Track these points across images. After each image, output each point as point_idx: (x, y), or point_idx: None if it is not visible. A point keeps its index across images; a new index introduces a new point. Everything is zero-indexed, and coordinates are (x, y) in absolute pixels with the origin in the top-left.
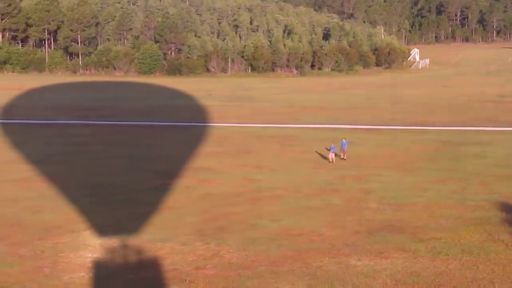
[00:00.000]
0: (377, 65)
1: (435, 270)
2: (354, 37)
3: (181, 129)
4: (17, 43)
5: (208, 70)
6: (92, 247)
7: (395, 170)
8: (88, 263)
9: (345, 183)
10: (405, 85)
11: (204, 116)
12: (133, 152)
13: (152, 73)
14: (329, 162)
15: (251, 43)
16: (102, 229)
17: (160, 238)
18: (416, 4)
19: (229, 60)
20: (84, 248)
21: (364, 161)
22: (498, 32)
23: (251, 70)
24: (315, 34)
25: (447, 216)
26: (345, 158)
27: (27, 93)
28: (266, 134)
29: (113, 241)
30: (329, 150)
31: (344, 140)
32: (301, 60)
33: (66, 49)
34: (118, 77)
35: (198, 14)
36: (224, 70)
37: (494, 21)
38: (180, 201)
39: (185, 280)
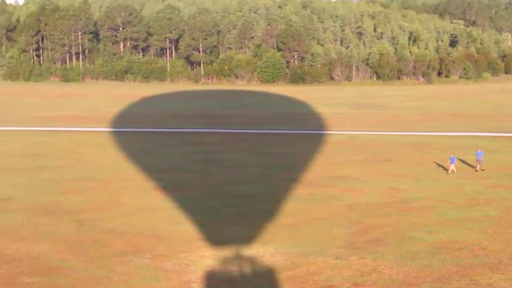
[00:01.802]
0: (506, 72)
1: None
2: (481, 43)
3: (312, 137)
4: (138, 52)
5: (332, 78)
6: (240, 260)
7: None
8: (238, 277)
9: (497, 193)
10: None
11: (335, 124)
12: (267, 161)
13: (275, 81)
14: (448, 173)
15: (376, 50)
16: (246, 241)
17: (311, 251)
18: None
19: (354, 68)
20: (231, 262)
21: None
22: None
23: (376, 77)
24: (442, 41)
25: None
26: (482, 169)
27: (150, 101)
28: (403, 142)
29: (262, 254)
30: (450, 161)
31: (479, 150)
32: (427, 68)
33: (187, 58)
34: (240, 85)
35: (321, 22)
36: (348, 78)
37: None
38: (325, 211)
39: None
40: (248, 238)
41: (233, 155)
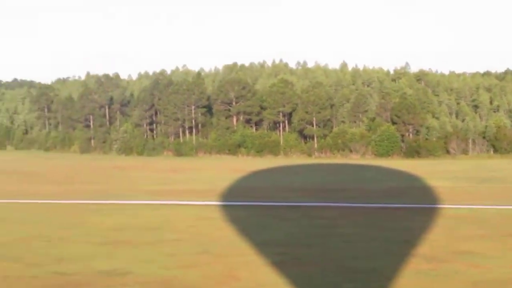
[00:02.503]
0: None
1: None
2: None
3: (431, 211)
4: (251, 126)
5: (447, 152)
6: None
7: None
8: None
9: None
10: None
11: (453, 197)
12: (387, 235)
13: (389, 155)
14: None
15: (493, 123)
16: None
17: None
18: None
19: (470, 141)
20: None
21: None
22: None
23: (493, 151)
24: None
25: None
26: None
27: (264, 174)
28: None
29: None
30: None
31: None
32: None
33: (300, 131)
34: (355, 159)
35: (435, 95)
36: (464, 152)
37: None
38: (450, 287)
39: None
40: None
41: (352, 229)
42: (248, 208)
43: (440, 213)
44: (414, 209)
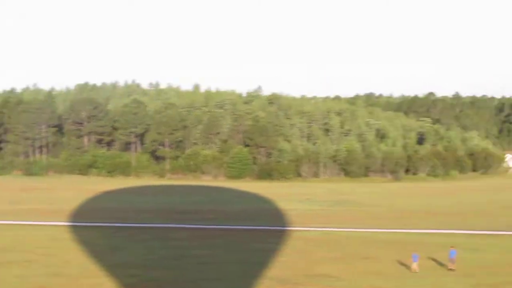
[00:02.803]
0: (473, 170)
1: None
2: (448, 142)
3: (285, 234)
4: (103, 146)
5: (299, 175)
6: None
7: None
8: None
9: None
10: (509, 191)
11: (306, 220)
12: (242, 257)
13: (242, 177)
14: (412, 272)
15: (344, 147)
16: None
17: None
18: (501, 110)
19: (321, 165)
20: None
21: (495, 268)
22: None
23: (344, 174)
24: (409, 139)
25: None
26: (453, 268)
27: (115, 196)
28: (377, 239)
29: None
30: (412, 259)
31: (452, 249)
32: (395, 165)
33: (153, 152)
34: (207, 181)
35: (288, 118)
36: (316, 175)
37: None
38: None
39: None
40: None
41: (207, 251)
42: (100, 229)
43: (293, 236)
44: (267, 231)
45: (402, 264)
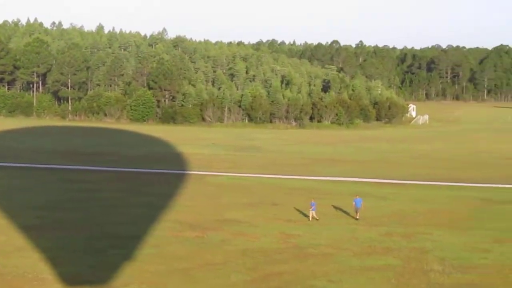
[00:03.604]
0: (377, 119)
1: None
2: (353, 90)
3: (192, 178)
4: (4, 86)
5: (203, 119)
6: None
7: (444, 228)
8: None
9: (394, 241)
10: (415, 140)
11: (213, 165)
12: (148, 201)
13: (144, 120)
14: (309, 220)
15: (249, 92)
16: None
17: None
18: (403, 61)
19: (226, 109)
20: None
21: (405, 217)
22: (489, 91)
23: (248, 120)
24: (314, 86)
25: None
26: (358, 218)
27: (17, 136)
28: (287, 185)
29: None
30: (310, 207)
31: (357, 197)
32: (300, 112)
33: (55, 93)
34: (109, 123)
35: (192, 62)
36: (220, 120)
37: (485, 79)
38: (218, 256)
39: None
40: (139, 283)
41: (113, 194)
42: (3, 169)
43: (200, 181)
44: (174, 176)
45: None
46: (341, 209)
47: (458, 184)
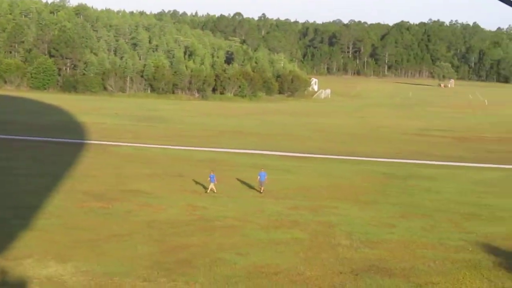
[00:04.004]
0: (280, 92)
1: None
2: (256, 62)
3: (94, 148)
4: None
5: (105, 89)
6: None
7: (350, 202)
8: None
9: (301, 215)
10: (317, 114)
11: (116, 135)
12: (53, 170)
13: (45, 88)
14: (206, 192)
15: (152, 62)
16: (42, 258)
17: (116, 271)
18: (305, 35)
19: (128, 79)
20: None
21: (311, 191)
22: (389, 67)
23: (150, 90)
24: (218, 57)
25: (432, 257)
26: (262, 191)
27: None
28: (192, 157)
29: (61, 274)
30: (209, 179)
31: (262, 170)
32: (203, 83)
33: None
34: (9, 91)
35: (94, 30)
36: (122, 90)
37: (386, 55)
38: (125, 228)
39: None
40: (44, 254)
41: (16, 163)
42: None
43: (104, 150)
44: (77, 145)
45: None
46: (245, 183)
47: (361, 158)
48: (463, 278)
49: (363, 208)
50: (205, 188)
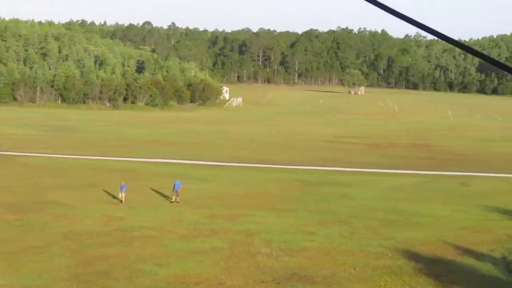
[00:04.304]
0: (192, 101)
1: None
2: (167, 71)
3: (8, 159)
4: None
5: (15, 99)
6: None
7: (267, 210)
8: None
9: (218, 224)
10: (229, 123)
11: (28, 145)
12: None
13: None
14: (121, 202)
15: (62, 72)
16: None
17: (34, 284)
18: (215, 43)
19: (38, 89)
20: None
21: (227, 200)
22: (299, 75)
23: (61, 100)
24: (128, 66)
25: (352, 264)
26: (177, 201)
27: None
28: (106, 167)
29: None
30: (120, 189)
31: (177, 180)
32: (114, 93)
33: None
34: None
35: (3, 40)
36: (32, 100)
37: (296, 63)
38: (41, 239)
39: None
40: None
41: None
42: None
43: (15, 161)
44: None
45: (133, 192)
46: (161, 192)
47: (275, 166)
48: (384, 284)
49: (280, 215)
50: (118, 198)
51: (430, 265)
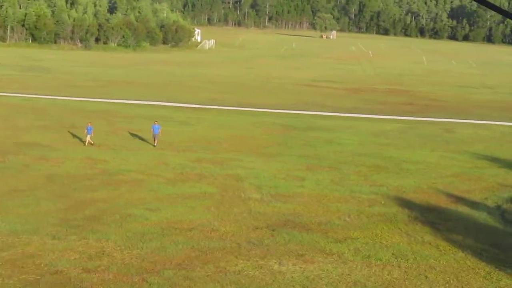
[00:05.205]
0: (164, 42)
1: (378, 279)
2: (140, 12)
3: None
4: None
5: None
6: None
7: (253, 155)
8: None
9: (206, 168)
10: (205, 65)
11: (4, 85)
12: None
13: None
14: (85, 145)
15: (33, 11)
16: None
17: (22, 229)
18: None
19: (8, 28)
20: None
21: (212, 143)
22: (270, 18)
23: (32, 40)
24: (100, 6)
25: (346, 211)
26: (155, 145)
27: None
28: (84, 108)
29: None
30: (86, 132)
31: (156, 123)
32: (86, 33)
33: None
34: None
35: None
36: (2, 39)
37: (267, 6)
38: (25, 182)
39: None
40: None
41: None
42: None
43: None
44: None
45: (114, 134)
46: (141, 136)
47: (257, 110)
48: (381, 232)
49: (268, 160)
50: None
51: (425, 213)
